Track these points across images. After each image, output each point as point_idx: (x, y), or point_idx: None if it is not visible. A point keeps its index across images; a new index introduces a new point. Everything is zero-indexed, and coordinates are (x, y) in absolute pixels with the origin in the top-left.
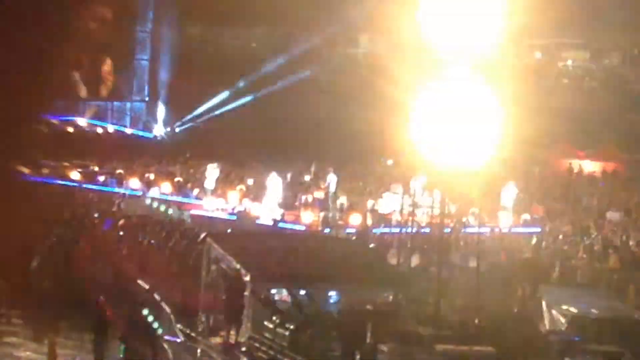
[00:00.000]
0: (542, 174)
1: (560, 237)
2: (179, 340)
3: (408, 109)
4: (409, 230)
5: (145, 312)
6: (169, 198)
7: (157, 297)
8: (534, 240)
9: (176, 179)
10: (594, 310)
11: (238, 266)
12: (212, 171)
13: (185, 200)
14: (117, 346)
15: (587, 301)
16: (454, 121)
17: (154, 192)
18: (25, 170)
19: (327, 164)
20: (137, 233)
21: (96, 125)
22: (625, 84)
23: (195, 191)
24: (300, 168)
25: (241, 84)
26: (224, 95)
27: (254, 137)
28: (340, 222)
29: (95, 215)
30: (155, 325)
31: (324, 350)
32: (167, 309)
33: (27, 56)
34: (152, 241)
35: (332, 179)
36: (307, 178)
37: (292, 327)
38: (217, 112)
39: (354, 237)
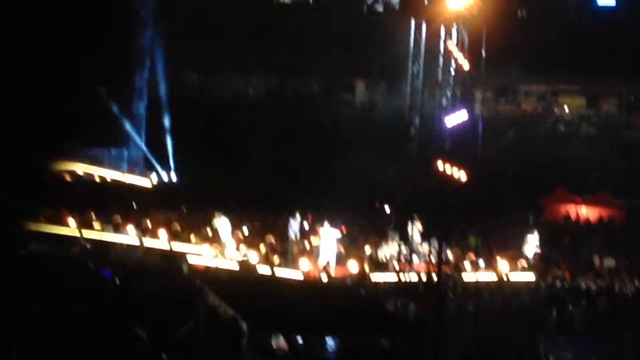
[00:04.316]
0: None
1: (557, 283)
2: None
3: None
4: (407, 277)
5: None
6: (166, 246)
7: (154, 346)
8: (531, 287)
9: (173, 227)
10: (591, 357)
11: (235, 313)
12: (222, 222)
13: (183, 248)
14: None
15: (584, 347)
16: None
17: (150, 239)
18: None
19: (322, 211)
20: (134, 281)
21: (93, 172)
22: (622, 130)
23: (194, 240)
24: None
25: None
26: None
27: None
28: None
29: (90, 263)
30: None
31: None
32: (164, 357)
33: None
34: (149, 290)
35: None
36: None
37: None
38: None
39: (351, 285)
